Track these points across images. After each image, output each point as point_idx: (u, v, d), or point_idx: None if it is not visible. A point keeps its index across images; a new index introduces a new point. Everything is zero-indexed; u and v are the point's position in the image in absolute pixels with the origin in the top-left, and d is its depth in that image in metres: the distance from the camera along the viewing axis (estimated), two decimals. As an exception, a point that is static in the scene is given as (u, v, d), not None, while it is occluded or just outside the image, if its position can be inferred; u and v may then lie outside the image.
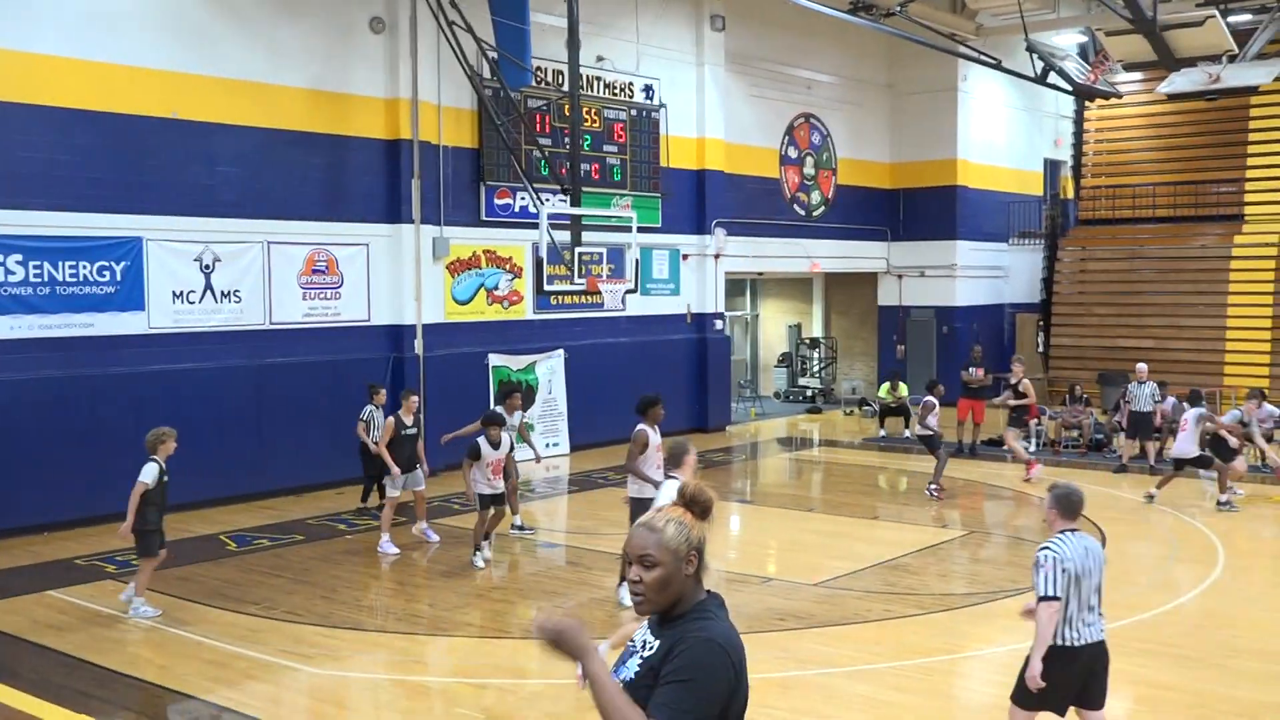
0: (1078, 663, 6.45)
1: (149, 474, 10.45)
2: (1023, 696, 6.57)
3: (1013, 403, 18.96)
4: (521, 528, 14.08)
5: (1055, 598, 6.33)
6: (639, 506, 10.81)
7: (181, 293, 15.38)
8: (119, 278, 14.77)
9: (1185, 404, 16.77)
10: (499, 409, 13.97)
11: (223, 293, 15.80)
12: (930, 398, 17.16)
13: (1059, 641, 6.40)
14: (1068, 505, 6.55)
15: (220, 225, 15.75)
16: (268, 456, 15.95)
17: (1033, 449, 20.53)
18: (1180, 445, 15.86)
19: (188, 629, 10.15)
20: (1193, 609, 10.88)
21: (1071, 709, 6.67)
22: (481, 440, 12.61)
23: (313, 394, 16.62)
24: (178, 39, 15.23)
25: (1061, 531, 6.52)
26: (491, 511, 12.66)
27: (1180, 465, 15.85)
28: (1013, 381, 19.06)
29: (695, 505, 3.43)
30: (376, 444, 13.80)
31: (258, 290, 16.20)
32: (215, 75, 15.63)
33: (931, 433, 16.75)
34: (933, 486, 16.47)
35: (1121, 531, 14.12)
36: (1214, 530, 14.23)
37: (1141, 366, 18.83)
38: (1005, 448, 19.31)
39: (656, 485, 10.39)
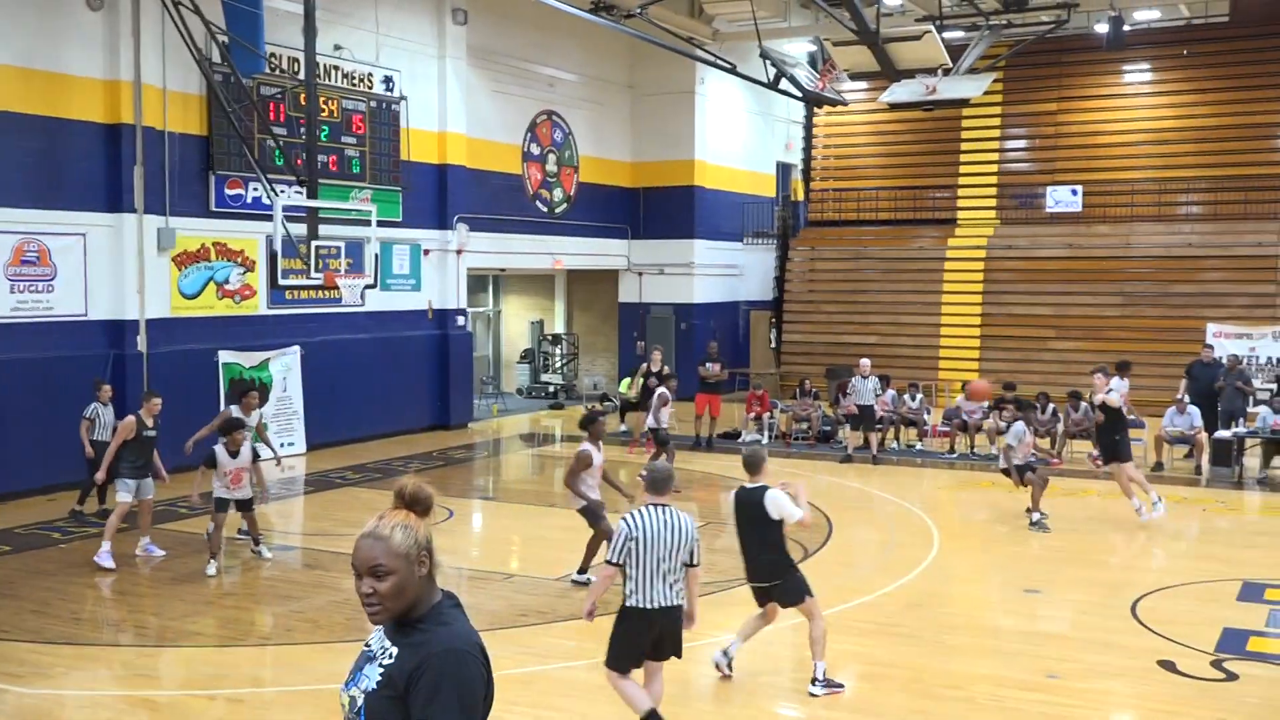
0: (648, 623, 7.16)
1: None
2: (610, 658, 7.35)
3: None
4: (258, 551, 12.87)
5: (613, 563, 7.20)
6: (589, 512, 11.17)
7: None
8: None
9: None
10: (234, 409, 13.34)
11: (-83, 284, 14.53)
12: (664, 390, 17.48)
13: (632, 603, 7.15)
14: (652, 483, 7.37)
15: (-86, 211, 14.46)
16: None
17: (765, 440, 21.33)
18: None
19: (-124, 651, 9.28)
20: (911, 590, 11.53)
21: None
22: (219, 448, 12.02)
23: (21, 393, 15.48)
24: None
25: (647, 505, 7.25)
26: (228, 515, 12.12)
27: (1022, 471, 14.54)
28: (654, 369, 19.74)
29: (417, 505, 3.36)
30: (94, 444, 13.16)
31: (-42, 282, 14.96)
32: (-92, 47, 14.35)
33: (660, 427, 17.05)
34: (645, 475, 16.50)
35: (846, 519, 14.83)
36: (930, 515, 15.14)
37: (864, 362, 19.84)
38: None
39: (589, 502, 11.08)
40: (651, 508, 7.21)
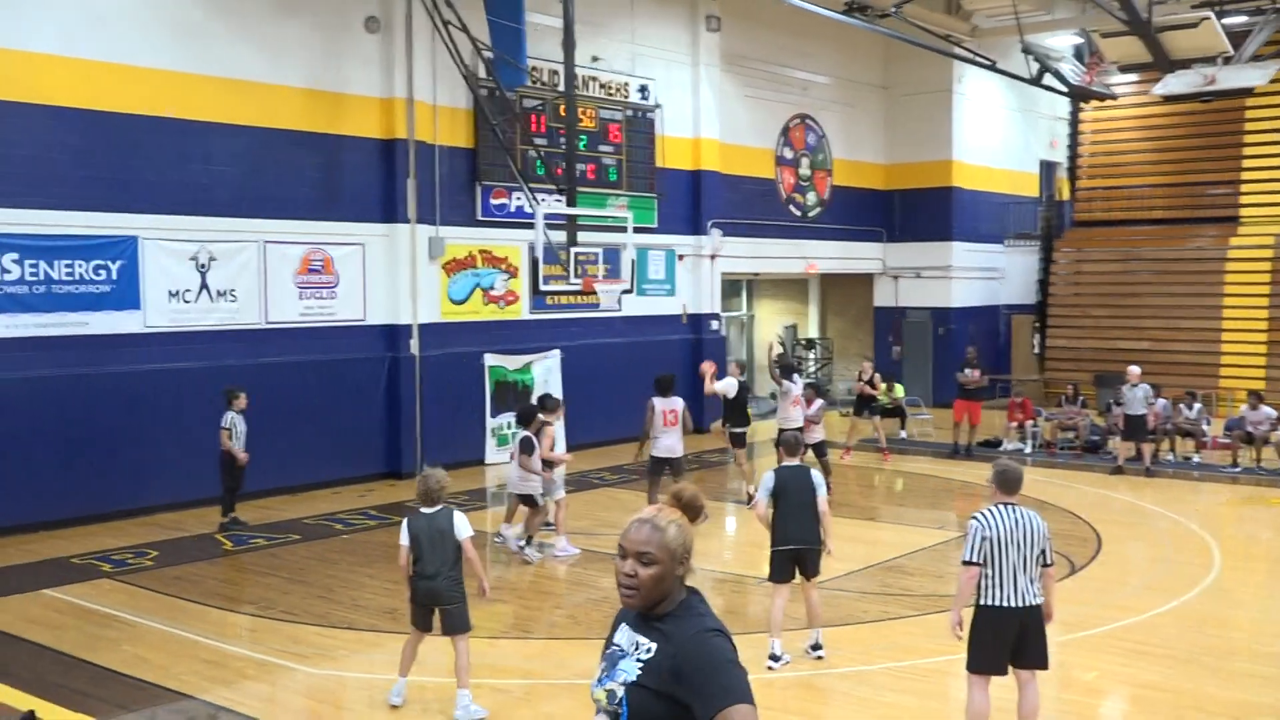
0: (1009, 623, 7.05)
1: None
2: (969, 661, 7.23)
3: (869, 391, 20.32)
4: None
5: (971, 563, 7.07)
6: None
7: (177, 291, 15.36)
8: (114, 276, 14.75)
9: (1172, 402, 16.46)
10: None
11: (218, 292, 15.78)
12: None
13: (990, 603, 7.04)
14: (1003, 481, 7.22)
15: (216, 224, 15.73)
16: (263, 455, 15.78)
17: (1028, 449, 20.58)
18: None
19: (185, 628, 10.14)
20: (1187, 610, 10.88)
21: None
22: (532, 435, 12.74)
23: (310, 393, 16.60)
24: (173, 37, 15.21)
25: (996, 504, 7.16)
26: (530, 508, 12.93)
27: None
28: (864, 378, 20.24)
29: (690, 510, 3.52)
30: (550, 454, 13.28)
31: (254, 289, 16.17)
32: (210, 74, 15.61)
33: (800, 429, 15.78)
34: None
35: (1116, 533, 14.14)
36: (1209, 532, 14.25)
37: (1134, 369, 18.84)
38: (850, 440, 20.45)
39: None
40: (1002, 506, 7.15)
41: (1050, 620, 7.29)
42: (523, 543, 12.92)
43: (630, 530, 3.41)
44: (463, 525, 8.13)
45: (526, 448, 12.55)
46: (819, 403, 16.04)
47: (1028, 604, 7.06)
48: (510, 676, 9.16)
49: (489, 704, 8.39)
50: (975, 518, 7.14)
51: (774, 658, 9.03)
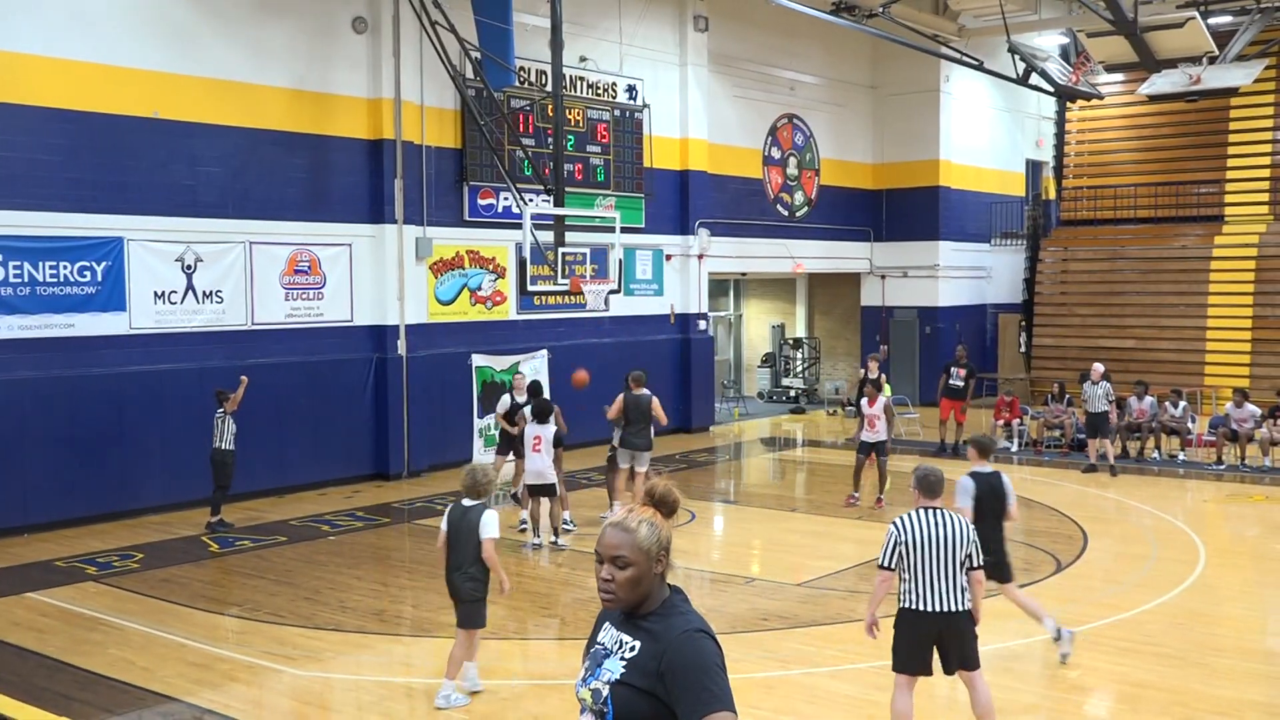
0: (927, 627, 7.04)
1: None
2: (893, 661, 7.27)
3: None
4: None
5: (885, 568, 7.10)
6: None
7: (163, 293, 15.30)
8: (100, 278, 14.69)
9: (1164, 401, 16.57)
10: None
11: (204, 293, 15.73)
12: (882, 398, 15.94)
13: (909, 606, 7.05)
14: (925, 485, 7.18)
15: (202, 225, 15.68)
16: (250, 458, 15.76)
17: (1015, 448, 20.62)
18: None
19: (171, 631, 10.11)
20: (1174, 607, 10.91)
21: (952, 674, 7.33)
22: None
23: (296, 395, 16.56)
24: (159, 38, 15.16)
25: (917, 509, 7.13)
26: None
27: None
28: (871, 376, 18.92)
29: (663, 505, 3.49)
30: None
31: (240, 291, 16.13)
32: (197, 75, 15.56)
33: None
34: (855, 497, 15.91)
35: (1100, 530, 14.19)
36: (1195, 529, 14.30)
37: (1097, 367, 18.87)
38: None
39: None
40: (923, 511, 7.12)
41: (976, 623, 7.23)
42: (555, 536, 13.28)
43: (604, 535, 3.41)
44: (488, 525, 8.15)
45: (559, 441, 13.12)
46: (881, 399, 15.61)
47: (948, 609, 6.99)
48: (498, 677, 9.14)
49: (476, 706, 8.38)
50: (894, 523, 7.12)
51: (1056, 632, 9.17)
